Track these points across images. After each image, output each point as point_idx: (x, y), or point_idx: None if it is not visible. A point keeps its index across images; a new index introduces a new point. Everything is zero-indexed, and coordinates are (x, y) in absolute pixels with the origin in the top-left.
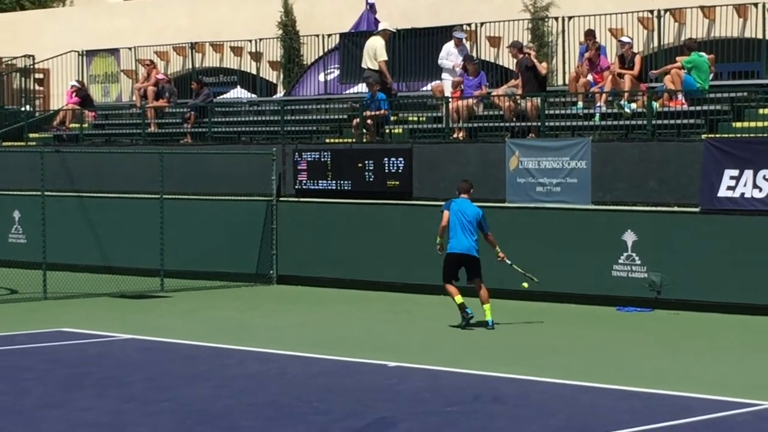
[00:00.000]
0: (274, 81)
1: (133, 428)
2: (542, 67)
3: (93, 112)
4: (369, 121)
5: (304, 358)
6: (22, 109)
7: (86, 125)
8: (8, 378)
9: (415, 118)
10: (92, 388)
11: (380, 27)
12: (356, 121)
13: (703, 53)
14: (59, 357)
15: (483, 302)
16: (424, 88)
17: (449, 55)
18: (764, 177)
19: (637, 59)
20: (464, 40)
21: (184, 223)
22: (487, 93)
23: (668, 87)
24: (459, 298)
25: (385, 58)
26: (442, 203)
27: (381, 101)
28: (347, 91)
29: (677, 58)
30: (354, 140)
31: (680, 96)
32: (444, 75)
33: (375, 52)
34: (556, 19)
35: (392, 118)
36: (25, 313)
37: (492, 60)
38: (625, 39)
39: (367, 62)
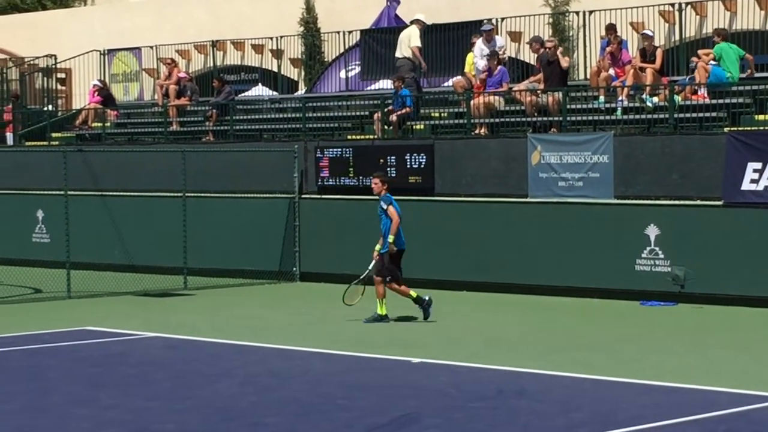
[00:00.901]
0: (296, 78)
1: (158, 426)
2: (564, 60)
3: (115, 111)
4: (393, 118)
5: (328, 354)
6: (45, 108)
7: (108, 124)
8: (34, 377)
9: (437, 114)
10: (117, 386)
11: (415, 17)
12: (377, 116)
13: (734, 45)
14: (84, 355)
15: (384, 297)
16: (446, 84)
17: (482, 52)
18: None
19: (659, 53)
20: (493, 33)
21: (207, 221)
22: (508, 89)
23: (698, 79)
24: (414, 292)
25: (419, 44)
26: (465, 198)
27: (405, 97)
28: (369, 88)
29: (699, 51)
30: (376, 136)
31: (703, 90)
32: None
33: (410, 39)
34: (577, 13)
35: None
36: (50, 312)
37: (513, 55)
38: (647, 32)
39: (402, 50)
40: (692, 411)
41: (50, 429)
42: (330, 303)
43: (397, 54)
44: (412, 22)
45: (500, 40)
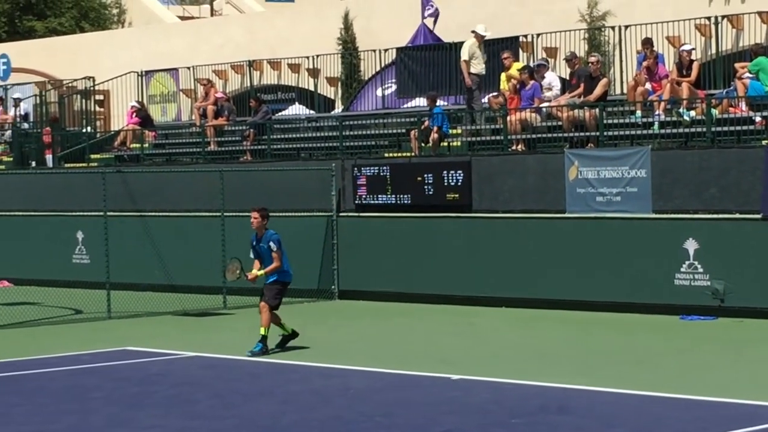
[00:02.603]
0: (332, 97)
1: None
2: (601, 86)
3: (153, 132)
4: (435, 136)
5: (367, 372)
6: (84, 130)
7: (147, 145)
8: (76, 397)
9: (473, 131)
10: (158, 406)
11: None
12: (414, 133)
13: None
14: (124, 375)
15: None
16: (482, 100)
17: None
18: None
19: (695, 66)
20: (544, 70)
21: (246, 240)
22: (541, 105)
23: (739, 94)
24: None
25: (465, 57)
26: (502, 214)
27: (437, 116)
28: (405, 106)
29: (736, 65)
30: (413, 154)
31: (742, 104)
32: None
33: (462, 52)
34: (613, 28)
35: (454, 131)
36: (90, 332)
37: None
38: (687, 47)
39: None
40: (735, 425)
41: None
42: (369, 320)
43: None
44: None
45: (551, 76)
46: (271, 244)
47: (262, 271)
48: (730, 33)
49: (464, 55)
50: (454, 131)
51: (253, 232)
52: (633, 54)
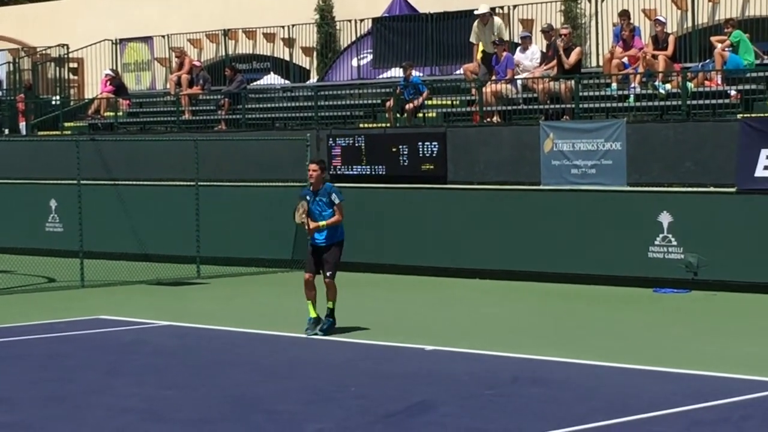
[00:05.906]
0: (307, 67)
1: (173, 414)
2: (575, 54)
3: (127, 101)
4: (410, 107)
5: (341, 343)
6: (57, 98)
7: (121, 113)
8: (50, 365)
9: (449, 102)
10: (132, 374)
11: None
12: (389, 104)
13: (744, 33)
14: (98, 344)
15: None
16: (457, 72)
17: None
18: None
19: (671, 40)
20: (528, 42)
21: (220, 209)
22: (516, 77)
23: (717, 67)
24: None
25: (471, 40)
26: (477, 186)
27: (417, 85)
28: (380, 76)
29: (712, 38)
30: (388, 125)
31: (718, 77)
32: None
33: None
34: (589, 0)
35: (428, 102)
36: (64, 301)
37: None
38: (660, 18)
39: None
40: (708, 397)
41: (68, 417)
42: (342, 291)
43: None
44: None
45: (535, 48)
46: (334, 195)
47: (324, 223)
48: (707, 6)
49: (471, 37)
50: (430, 102)
51: (305, 189)
52: (609, 26)
